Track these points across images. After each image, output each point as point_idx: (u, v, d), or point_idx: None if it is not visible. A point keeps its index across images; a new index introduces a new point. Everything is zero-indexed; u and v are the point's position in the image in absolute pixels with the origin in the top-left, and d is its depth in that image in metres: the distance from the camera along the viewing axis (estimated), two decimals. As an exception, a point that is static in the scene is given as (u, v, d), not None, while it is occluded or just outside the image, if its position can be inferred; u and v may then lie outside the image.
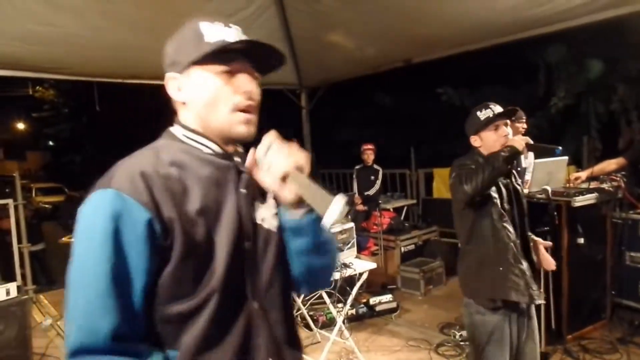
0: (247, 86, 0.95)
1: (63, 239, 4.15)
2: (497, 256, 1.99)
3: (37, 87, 19.61)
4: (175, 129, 1.00)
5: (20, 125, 26.88)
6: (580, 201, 3.26)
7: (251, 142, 1.01)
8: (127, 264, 0.83)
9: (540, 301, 2.11)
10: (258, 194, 1.02)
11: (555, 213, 2.96)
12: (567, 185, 3.54)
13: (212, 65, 0.93)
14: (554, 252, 2.66)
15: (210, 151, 0.98)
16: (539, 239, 2.29)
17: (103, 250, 0.82)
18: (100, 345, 0.79)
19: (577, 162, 4.67)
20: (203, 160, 0.96)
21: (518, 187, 2.14)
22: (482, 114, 2.07)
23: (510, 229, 2.02)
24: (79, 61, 4.28)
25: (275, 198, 0.99)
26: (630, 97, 5.02)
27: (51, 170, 22.99)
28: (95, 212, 0.85)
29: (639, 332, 3.41)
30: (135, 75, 4.87)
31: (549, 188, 2.89)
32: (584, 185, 3.51)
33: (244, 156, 1.01)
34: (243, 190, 0.98)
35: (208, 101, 0.94)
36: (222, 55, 0.92)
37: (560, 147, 2.64)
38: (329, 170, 8.46)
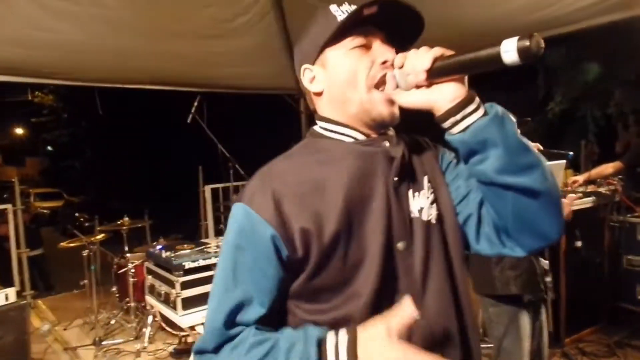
0: (385, 55, 0.85)
1: (62, 244, 4.15)
2: None
3: (37, 92, 19.64)
4: (319, 123, 0.93)
5: (19, 131, 26.90)
6: (577, 204, 3.27)
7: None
8: (249, 281, 0.82)
9: (552, 296, 2.11)
10: (412, 180, 0.89)
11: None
12: (565, 188, 3.56)
13: (344, 40, 0.86)
14: (552, 255, 2.67)
15: (352, 140, 0.88)
16: None
17: (227, 265, 0.84)
18: None
19: (575, 166, 4.69)
20: (345, 151, 0.87)
21: None
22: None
23: None
24: (78, 66, 4.30)
25: (435, 123, 0.81)
26: (627, 100, 5.05)
27: (50, 176, 23.00)
28: (229, 225, 0.87)
29: (636, 335, 3.41)
30: (135, 81, 4.89)
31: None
32: (582, 189, 3.53)
33: (393, 139, 0.90)
34: (395, 179, 0.85)
35: (344, 80, 0.86)
36: (354, 31, 0.85)
37: (571, 153, 2.56)
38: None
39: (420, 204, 0.88)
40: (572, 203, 1.90)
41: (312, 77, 0.91)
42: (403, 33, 0.89)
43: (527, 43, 0.67)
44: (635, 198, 3.76)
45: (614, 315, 3.65)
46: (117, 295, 4.23)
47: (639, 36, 4.27)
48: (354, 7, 0.85)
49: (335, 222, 0.80)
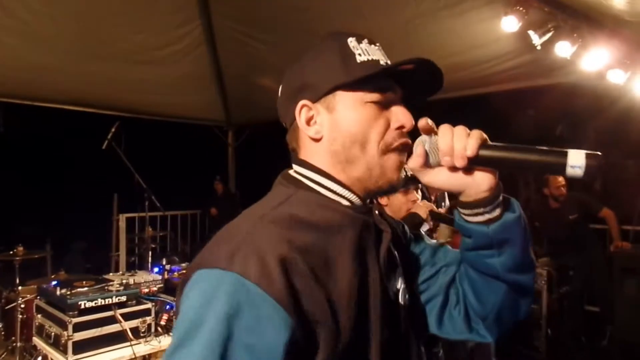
0: (404, 119, 0.75)
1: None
2: None
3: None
4: (301, 172, 0.77)
5: None
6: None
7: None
8: None
9: None
10: (392, 259, 0.80)
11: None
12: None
13: (363, 92, 0.73)
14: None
15: (348, 203, 0.75)
16: None
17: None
18: None
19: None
20: (344, 217, 0.73)
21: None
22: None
23: None
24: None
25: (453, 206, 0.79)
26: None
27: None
28: (199, 305, 0.60)
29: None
30: (49, 99, 4.60)
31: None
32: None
33: (380, 209, 0.81)
34: (382, 256, 0.75)
35: (354, 137, 0.73)
36: (375, 81, 0.73)
37: None
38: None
39: (397, 285, 0.80)
40: (427, 206, 2.03)
41: (311, 117, 0.76)
42: (425, 88, 0.80)
43: (595, 162, 0.65)
44: (535, 252, 4.10)
45: (517, 355, 3.84)
46: (3, 333, 3.79)
47: (539, 101, 4.80)
48: (372, 47, 0.76)
49: (348, 316, 0.66)
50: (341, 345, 0.64)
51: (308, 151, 0.78)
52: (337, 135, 0.74)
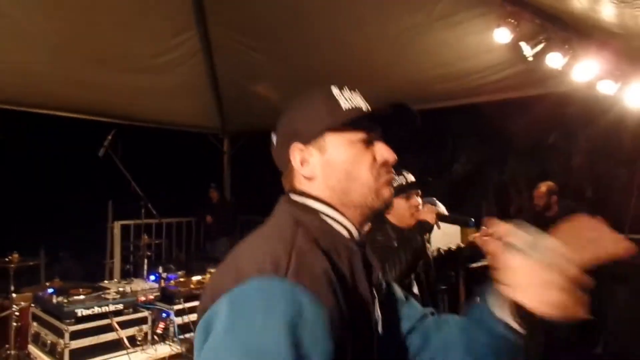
0: (387, 155, 0.85)
1: None
2: None
3: None
4: (310, 202, 0.83)
5: None
6: (474, 266, 3.55)
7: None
8: None
9: None
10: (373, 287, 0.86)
11: (453, 273, 3.18)
12: (461, 246, 3.83)
13: (349, 133, 0.82)
14: (451, 306, 2.83)
15: (347, 235, 0.82)
16: None
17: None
18: None
19: (477, 225, 5.08)
20: (347, 248, 0.80)
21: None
22: (395, 181, 2.02)
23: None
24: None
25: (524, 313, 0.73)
26: (520, 168, 5.69)
27: None
28: (263, 307, 0.62)
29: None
30: (44, 105, 4.59)
31: (442, 251, 3.11)
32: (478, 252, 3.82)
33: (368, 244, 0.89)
34: (373, 288, 0.84)
35: (347, 171, 0.82)
36: (359, 123, 0.82)
37: (473, 219, 2.59)
38: (248, 217, 8.38)
39: (376, 315, 0.85)
40: (432, 210, 2.02)
41: (303, 158, 0.84)
42: (401, 128, 0.91)
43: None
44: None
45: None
46: (-4, 341, 3.75)
47: (532, 111, 4.86)
48: (354, 94, 0.86)
49: (367, 330, 0.76)
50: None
51: (306, 187, 0.85)
52: (331, 172, 0.83)
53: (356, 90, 0.88)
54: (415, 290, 2.06)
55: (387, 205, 0.86)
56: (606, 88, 3.15)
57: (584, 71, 3.06)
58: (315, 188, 0.84)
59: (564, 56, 3.04)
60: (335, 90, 0.85)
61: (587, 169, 5.41)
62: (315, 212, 0.82)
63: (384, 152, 0.85)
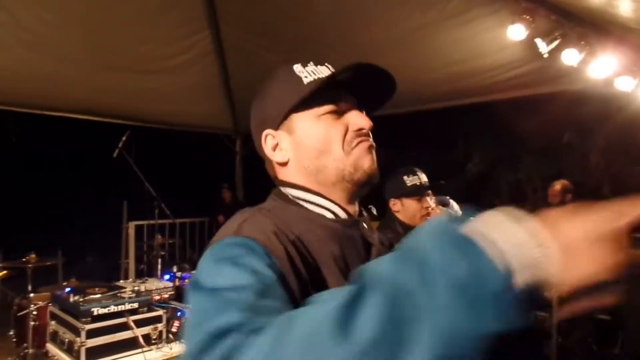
0: (360, 121, 0.79)
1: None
2: None
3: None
4: (286, 191, 0.81)
5: None
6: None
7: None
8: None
9: None
10: None
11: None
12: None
13: (315, 108, 0.78)
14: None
15: (332, 216, 0.78)
16: None
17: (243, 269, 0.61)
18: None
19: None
20: (328, 231, 0.75)
21: None
22: (410, 180, 1.96)
23: None
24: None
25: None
26: (534, 167, 5.62)
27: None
28: (215, 257, 0.65)
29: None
30: (60, 108, 4.67)
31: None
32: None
33: (368, 221, 0.84)
34: None
35: (317, 148, 0.78)
36: (324, 95, 0.77)
37: None
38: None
39: None
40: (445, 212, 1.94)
41: (275, 144, 0.81)
42: (377, 92, 0.84)
43: None
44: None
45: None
46: (14, 340, 3.82)
47: (547, 109, 4.81)
48: (320, 67, 0.80)
49: None
50: None
51: (283, 174, 0.83)
52: (302, 153, 0.79)
53: (326, 63, 0.81)
54: None
55: (370, 176, 0.79)
56: (624, 84, 3.10)
57: (601, 68, 3.01)
58: (291, 173, 0.81)
59: (580, 52, 3.00)
60: (297, 67, 0.80)
61: (604, 167, 5.33)
62: (296, 204, 0.79)
63: (356, 119, 0.79)
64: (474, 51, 3.55)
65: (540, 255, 0.44)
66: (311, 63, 0.81)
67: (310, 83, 0.77)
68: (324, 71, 0.79)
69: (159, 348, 2.41)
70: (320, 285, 0.69)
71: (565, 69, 3.17)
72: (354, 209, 0.82)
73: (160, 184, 4.30)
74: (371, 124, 0.80)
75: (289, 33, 4.16)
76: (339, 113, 0.79)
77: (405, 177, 1.98)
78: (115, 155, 3.72)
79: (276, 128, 0.81)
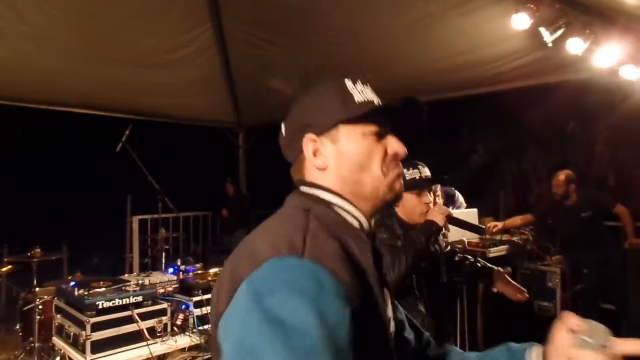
0: (398, 148, 0.86)
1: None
2: None
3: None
4: (321, 193, 0.84)
5: None
6: (494, 252, 3.50)
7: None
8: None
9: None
10: (383, 286, 0.86)
11: (469, 261, 3.14)
12: (481, 237, 3.79)
13: (361, 125, 0.83)
14: (470, 300, 2.81)
15: (357, 225, 0.83)
16: (499, 269, 2.17)
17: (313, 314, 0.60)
18: None
19: (494, 214, 5.04)
20: (358, 238, 0.80)
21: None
22: (409, 174, 1.92)
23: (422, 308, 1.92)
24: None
25: None
26: (539, 157, 5.59)
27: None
28: (284, 284, 0.63)
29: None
30: (63, 103, 4.67)
31: (465, 239, 3.08)
32: (498, 237, 3.78)
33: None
34: (385, 281, 0.85)
35: (359, 163, 0.83)
36: (371, 117, 0.84)
37: (484, 227, 2.39)
38: (263, 210, 8.43)
39: (389, 313, 0.87)
40: (443, 211, 1.89)
41: (317, 149, 0.84)
42: (411, 122, 0.92)
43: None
44: (545, 247, 4.08)
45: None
46: (21, 334, 3.85)
47: (551, 98, 4.77)
48: (366, 88, 0.86)
49: (379, 323, 0.76)
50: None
51: (317, 178, 0.85)
52: (344, 163, 0.83)
53: (368, 83, 0.88)
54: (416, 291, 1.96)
55: (398, 198, 0.87)
56: (629, 73, 3.06)
57: (606, 56, 2.97)
58: (327, 179, 0.84)
59: (585, 41, 2.96)
60: (348, 83, 0.85)
61: (609, 157, 5.29)
62: (326, 203, 0.82)
63: (395, 145, 0.86)
64: (478, 41, 3.52)
65: None
66: (359, 81, 0.87)
67: (362, 104, 0.83)
68: (368, 92, 0.86)
69: (163, 341, 2.42)
70: (368, 292, 0.73)
71: (569, 58, 3.14)
72: (372, 222, 0.88)
73: (163, 178, 4.30)
74: (406, 151, 0.87)
75: (291, 25, 4.13)
76: (380, 135, 0.85)
77: (404, 171, 1.91)
78: (118, 149, 3.72)
79: (320, 134, 0.84)
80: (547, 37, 2.99)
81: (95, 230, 6.69)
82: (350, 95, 0.84)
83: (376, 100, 0.86)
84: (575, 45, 2.98)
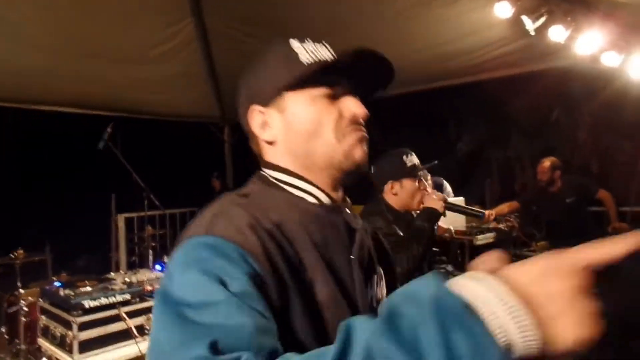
0: (355, 109, 0.76)
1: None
2: None
3: None
4: (268, 173, 0.79)
5: None
6: (481, 239, 3.54)
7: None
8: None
9: None
10: (371, 264, 0.80)
11: (459, 251, 3.17)
12: (468, 225, 3.83)
13: (310, 89, 0.74)
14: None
15: (315, 200, 0.76)
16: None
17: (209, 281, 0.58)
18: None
19: (482, 203, 5.10)
20: (309, 214, 0.74)
21: None
22: (409, 160, 1.91)
23: None
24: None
25: None
26: (523, 146, 5.66)
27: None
28: (183, 261, 0.62)
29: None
30: (41, 101, 4.56)
31: (452, 228, 3.10)
32: (485, 225, 3.82)
33: (351, 207, 0.82)
34: (353, 257, 0.75)
35: (308, 131, 0.74)
36: (320, 77, 0.74)
37: (484, 212, 2.30)
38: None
39: (378, 293, 0.81)
40: (440, 197, 1.88)
41: (263, 121, 0.77)
42: (375, 79, 0.82)
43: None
44: (531, 233, 4.14)
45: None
46: (6, 336, 3.79)
47: (535, 87, 4.82)
48: (319, 46, 0.76)
49: (325, 286, 0.69)
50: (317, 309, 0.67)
51: (269, 154, 0.80)
52: (292, 134, 0.76)
53: (322, 41, 0.78)
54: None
55: (360, 167, 0.77)
56: (610, 60, 3.10)
57: (588, 43, 3.01)
58: (277, 153, 0.78)
59: (567, 29, 2.98)
60: (295, 43, 0.76)
61: (592, 143, 5.37)
62: (278, 187, 0.76)
63: (351, 106, 0.76)
64: (461, 30, 3.52)
65: (528, 323, 0.40)
66: (309, 39, 0.77)
67: (311, 65, 0.73)
68: (322, 50, 0.76)
69: (153, 339, 2.39)
70: (300, 271, 0.67)
71: (552, 46, 3.16)
72: (338, 195, 0.79)
73: (148, 175, 4.24)
74: (367, 112, 0.77)
75: (274, 18, 4.08)
76: (334, 97, 0.76)
77: (404, 158, 1.93)
78: (100, 147, 3.66)
79: (266, 105, 0.77)
80: (530, 25, 3.00)
81: (80, 230, 6.59)
82: (296, 56, 0.74)
83: (329, 57, 0.75)
84: (557, 33, 3.00)
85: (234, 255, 0.61)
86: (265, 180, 0.78)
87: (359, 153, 0.76)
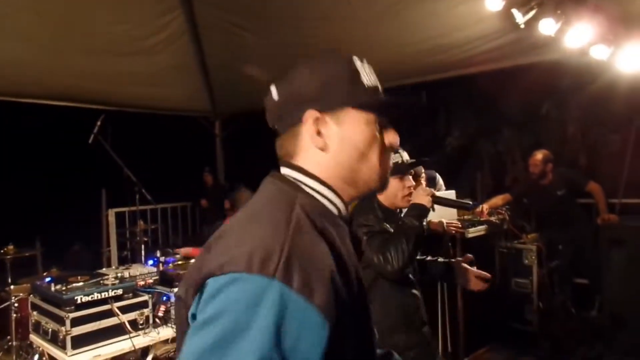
0: (396, 141, 0.86)
1: None
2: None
3: None
4: (296, 177, 0.80)
5: None
6: (473, 232, 3.57)
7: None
8: None
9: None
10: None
11: (450, 244, 3.20)
12: (460, 218, 3.85)
13: (368, 113, 0.81)
14: (450, 281, 2.84)
15: (336, 211, 0.82)
16: (458, 259, 2.13)
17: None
18: None
19: (472, 196, 5.13)
20: (339, 228, 0.79)
21: None
22: (392, 158, 1.92)
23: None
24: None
25: None
26: (514, 138, 5.71)
27: None
28: (252, 305, 0.59)
29: (523, 352, 3.73)
30: (31, 94, 4.51)
31: (444, 221, 3.11)
32: (476, 218, 3.85)
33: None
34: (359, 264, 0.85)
35: (359, 150, 0.80)
36: (377, 104, 0.83)
37: (471, 202, 2.31)
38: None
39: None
40: (427, 192, 1.87)
41: (318, 127, 0.79)
42: (405, 114, 0.93)
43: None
44: (521, 226, 4.18)
45: (503, 334, 3.96)
46: (-3, 333, 3.76)
47: (525, 80, 4.84)
48: (370, 70, 0.84)
49: (364, 318, 0.78)
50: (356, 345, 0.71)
51: (309, 159, 0.81)
52: (346, 149, 0.80)
53: (366, 61, 0.85)
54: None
55: (383, 188, 0.90)
56: (599, 53, 3.12)
57: (577, 36, 3.02)
58: (323, 161, 0.80)
59: (557, 22, 3.00)
60: (357, 62, 0.82)
61: (580, 136, 5.43)
62: (307, 194, 0.78)
63: (392, 138, 0.85)
64: (452, 24, 3.53)
65: None
66: (364, 60, 0.84)
67: (370, 89, 0.81)
68: (372, 75, 0.84)
69: (146, 333, 2.39)
70: (354, 297, 0.72)
71: (542, 39, 3.18)
72: (349, 206, 0.86)
73: (140, 170, 4.21)
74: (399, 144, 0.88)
75: (265, 10, 4.06)
76: (381, 126, 0.83)
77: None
78: (90, 141, 3.62)
79: (323, 112, 0.79)
80: (520, 18, 3.01)
81: (70, 226, 6.53)
82: (359, 75, 0.81)
83: (378, 85, 0.85)
84: (547, 26, 3.02)
85: (322, 334, 0.61)
86: (294, 186, 0.79)
87: (385, 179, 0.87)
